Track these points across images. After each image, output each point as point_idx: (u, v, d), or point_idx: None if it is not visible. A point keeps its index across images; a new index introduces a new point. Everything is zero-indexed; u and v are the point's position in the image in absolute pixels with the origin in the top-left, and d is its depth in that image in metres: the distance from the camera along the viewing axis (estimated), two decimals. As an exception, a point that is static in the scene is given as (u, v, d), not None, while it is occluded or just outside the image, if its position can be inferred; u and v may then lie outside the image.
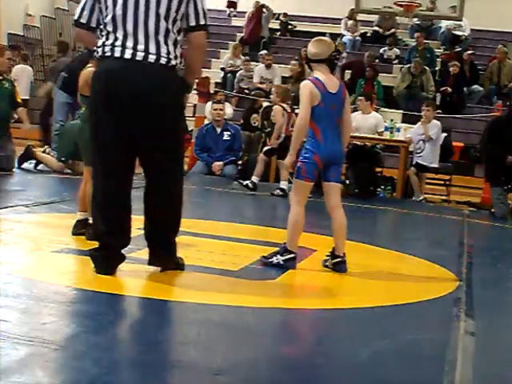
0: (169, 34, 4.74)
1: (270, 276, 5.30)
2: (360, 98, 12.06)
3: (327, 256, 5.64)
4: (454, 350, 3.87)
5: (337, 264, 5.57)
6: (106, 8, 4.77)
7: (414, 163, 11.58)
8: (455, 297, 5.11)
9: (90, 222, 5.68)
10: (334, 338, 4.17)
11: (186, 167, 11.61)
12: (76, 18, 4.97)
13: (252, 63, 16.52)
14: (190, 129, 12.30)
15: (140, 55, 4.68)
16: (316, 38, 5.77)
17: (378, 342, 3.96)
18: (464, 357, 3.79)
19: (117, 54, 4.71)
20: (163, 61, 4.70)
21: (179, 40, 4.83)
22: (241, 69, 16.49)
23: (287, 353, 3.76)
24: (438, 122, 11.68)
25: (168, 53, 4.73)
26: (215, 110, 12.15)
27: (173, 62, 4.75)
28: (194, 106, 14.08)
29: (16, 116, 10.39)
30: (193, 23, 4.83)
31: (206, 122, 12.69)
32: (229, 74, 16.37)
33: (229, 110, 13.65)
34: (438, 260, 6.31)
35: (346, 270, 5.56)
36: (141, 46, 4.69)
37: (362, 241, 6.76)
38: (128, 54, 4.69)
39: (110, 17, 4.75)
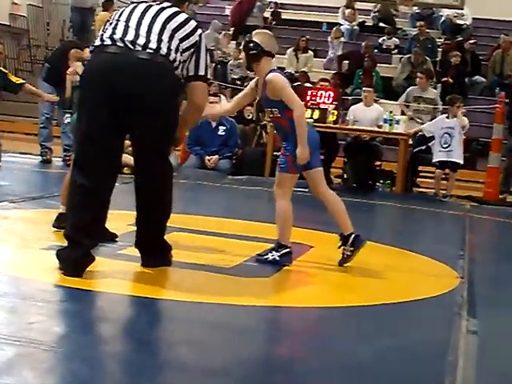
0: (172, 39, 4.70)
1: (265, 273, 5.25)
2: (368, 89, 11.87)
3: (340, 247, 5.53)
4: (455, 350, 3.83)
5: (354, 241, 5.50)
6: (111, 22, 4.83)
7: (436, 160, 11.06)
8: (457, 295, 5.04)
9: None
10: (332, 336, 4.10)
11: (178, 161, 11.47)
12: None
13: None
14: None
15: (139, 46, 4.63)
16: (263, 30, 5.81)
17: (378, 341, 3.97)
18: (466, 356, 3.75)
19: (113, 45, 4.66)
20: (163, 52, 4.64)
21: (180, 50, 4.76)
22: (229, 57, 16.27)
23: (282, 352, 3.73)
24: (464, 117, 11.22)
25: (169, 48, 4.67)
26: (210, 103, 11.91)
27: (173, 55, 4.69)
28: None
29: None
30: (192, 73, 4.86)
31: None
32: (219, 66, 16.15)
33: (224, 102, 13.44)
34: (438, 256, 6.23)
35: (365, 241, 5.54)
36: (141, 39, 4.64)
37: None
38: (126, 45, 4.63)
39: (113, 23, 4.78)
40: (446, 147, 10.95)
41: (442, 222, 9.34)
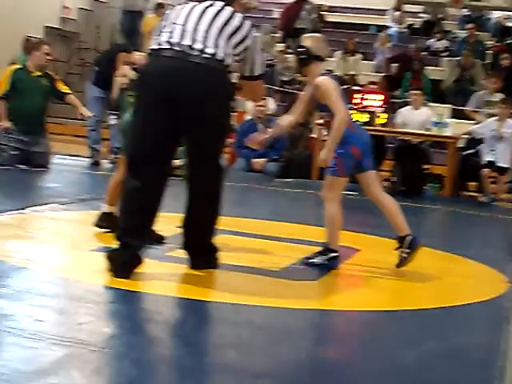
0: (228, 44, 4.74)
1: (312, 276, 5.23)
2: (416, 92, 11.76)
3: (397, 249, 5.48)
4: (504, 355, 3.76)
5: (411, 243, 5.44)
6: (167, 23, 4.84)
7: (485, 162, 10.96)
8: (506, 299, 4.98)
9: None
10: (379, 340, 4.08)
11: (226, 163, 11.47)
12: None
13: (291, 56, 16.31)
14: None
15: (197, 50, 4.65)
16: (313, 34, 5.75)
17: (425, 345, 3.92)
18: None
19: (171, 49, 4.68)
20: (219, 57, 4.68)
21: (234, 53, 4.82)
22: (278, 60, 16.26)
23: (328, 356, 3.71)
24: None
25: (225, 53, 4.71)
26: (258, 105, 11.91)
27: (228, 60, 4.73)
28: (235, 100, 13.90)
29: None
30: (248, 73, 5.02)
31: (249, 117, 12.47)
32: (268, 69, 16.12)
33: (272, 105, 13.43)
34: (487, 261, 6.15)
35: (421, 243, 5.49)
36: (198, 44, 4.66)
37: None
38: (183, 49, 4.66)
39: (169, 26, 4.80)
40: (493, 150, 10.83)
41: (492, 226, 9.19)
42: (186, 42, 4.67)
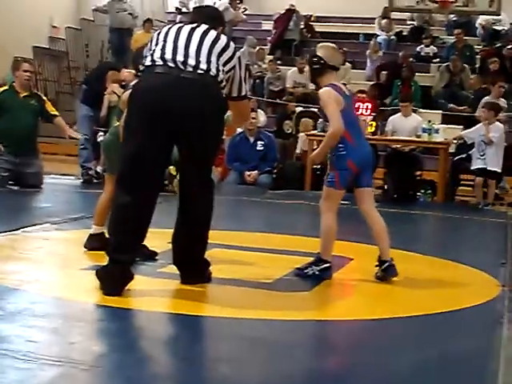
0: (218, 61, 4.80)
1: (305, 287, 5.24)
2: (404, 104, 11.72)
3: (376, 267, 5.48)
4: (496, 359, 3.79)
5: (386, 269, 5.42)
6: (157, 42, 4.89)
7: (475, 167, 10.90)
8: (498, 303, 4.99)
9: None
10: (373, 348, 4.08)
11: (218, 177, 11.49)
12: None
13: (283, 67, 16.35)
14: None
15: (190, 66, 4.71)
16: (326, 44, 5.70)
17: (419, 352, 3.95)
18: (506, 366, 3.70)
19: (164, 65, 4.74)
20: (212, 73, 4.74)
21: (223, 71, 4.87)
22: (267, 71, 16.31)
23: (324, 366, 3.72)
24: (501, 125, 11.05)
25: (217, 69, 4.77)
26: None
27: (220, 76, 4.80)
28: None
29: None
30: (235, 94, 5.06)
31: (239, 130, 12.48)
32: (257, 80, 16.18)
33: (262, 117, 13.46)
34: (480, 265, 6.16)
35: (397, 273, 5.42)
36: (191, 60, 4.73)
37: (401, 247, 6.55)
38: (177, 65, 4.71)
39: (159, 45, 4.84)
40: (482, 155, 10.87)
41: (484, 230, 9.19)
42: (180, 57, 4.71)
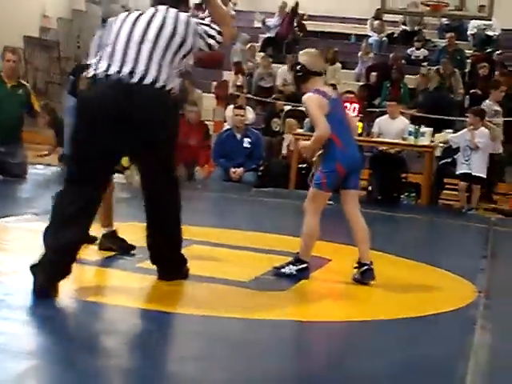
0: (170, 65, 4.68)
1: (282, 287, 5.23)
2: (391, 103, 11.76)
3: (355, 268, 5.47)
4: (465, 364, 3.78)
5: (364, 272, 5.41)
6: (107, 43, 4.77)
7: (459, 172, 10.98)
8: (473, 309, 5.00)
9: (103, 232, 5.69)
10: (348, 350, 4.10)
11: (204, 174, 11.51)
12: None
13: (275, 65, 16.35)
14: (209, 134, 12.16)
15: (136, 77, 4.57)
16: (308, 50, 5.67)
17: (395, 355, 3.95)
18: (475, 371, 3.70)
19: (111, 77, 4.61)
20: (159, 85, 4.59)
21: (177, 65, 4.76)
22: (257, 67, 16.31)
23: (298, 367, 3.72)
24: (487, 131, 11.06)
25: (166, 78, 4.63)
26: (236, 115, 11.93)
27: (169, 86, 4.66)
28: (213, 110, 13.93)
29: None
30: (207, 49, 4.92)
31: (226, 126, 12.49)
32: (248, 77, 16.18)
33: (250, 115, 13.45)
34: (458, 270, 6.15)
35: (374, 277, 5.40)
36: (139, 69, 4.59)
37: (382, 250, 6.57)
38: (121, 76, 4.59)
39: (109, 47, 4.73)
40: (467, 160, 10.88)
41: (466, 235, 9.21)
42: (126, 69, 4.59)
